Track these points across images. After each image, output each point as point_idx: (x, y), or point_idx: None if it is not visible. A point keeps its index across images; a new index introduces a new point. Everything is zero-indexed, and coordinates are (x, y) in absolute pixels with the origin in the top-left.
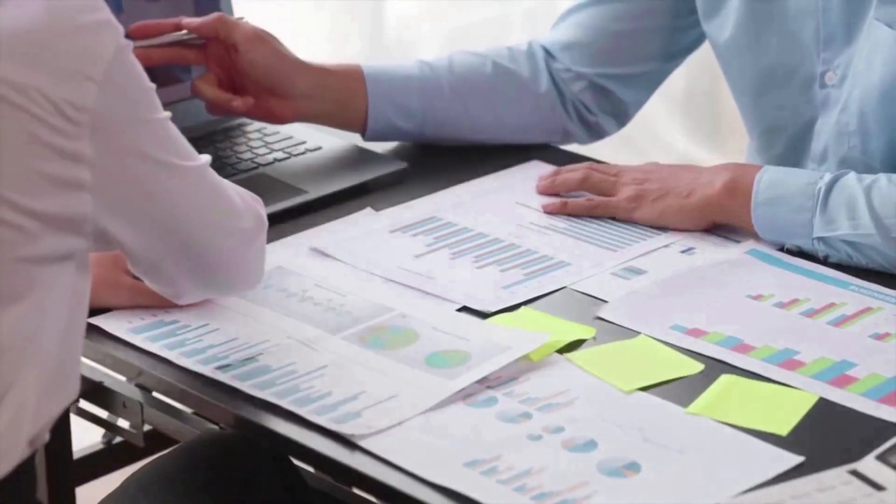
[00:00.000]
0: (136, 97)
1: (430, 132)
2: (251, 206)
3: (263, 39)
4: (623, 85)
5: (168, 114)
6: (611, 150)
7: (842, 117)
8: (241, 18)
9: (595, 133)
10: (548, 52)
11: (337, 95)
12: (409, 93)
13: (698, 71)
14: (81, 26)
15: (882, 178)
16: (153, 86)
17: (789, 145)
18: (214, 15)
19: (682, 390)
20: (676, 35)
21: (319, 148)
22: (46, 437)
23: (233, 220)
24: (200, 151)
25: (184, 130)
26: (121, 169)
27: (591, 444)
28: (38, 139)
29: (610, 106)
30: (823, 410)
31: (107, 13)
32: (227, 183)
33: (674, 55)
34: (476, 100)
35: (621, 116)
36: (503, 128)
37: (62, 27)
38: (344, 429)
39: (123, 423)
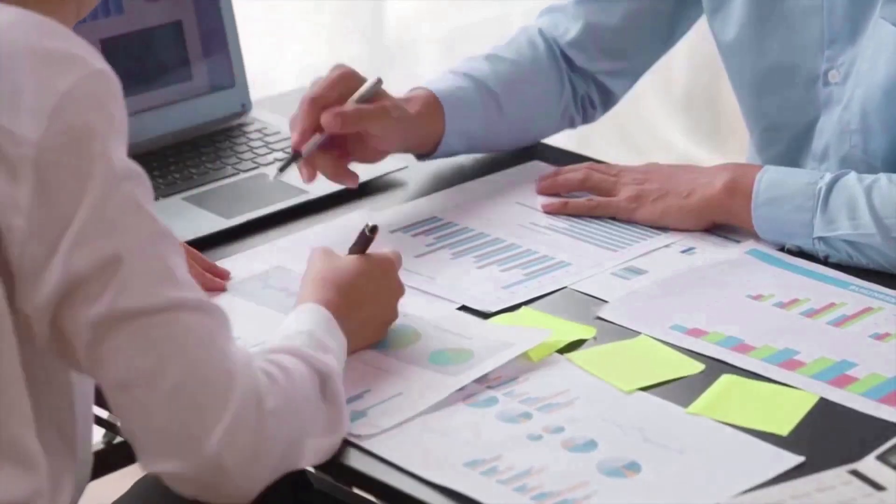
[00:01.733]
0: (93, 147)
1: (475, 149)
2: (252, 376)
3: (392, 119)
4: (622, 77)
5: (141, 185)
6: (611, 150)
7: (844, 115)
8: (378, 84)
9: (585, 121)
10: (560, 49)
11: (422, 133)
12: (473, 121)
13: (698, 71)
14: (43, 52)
15: (882, 177)
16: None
17: (790, 143)
18: (352, 111)
19: (682, 390)
20: (676, 24)
21: None
22: None
23: (215, 385)
24: (201, 151)
25: (183, 132)
26: (61, 228)
27: (591, 444)
28: None
29: (604, 98)
30: (823, 410)
31: (75, 46)
32: (225, 331)
33: (671, 42)
34: (521, 119)
35: (610, 105)
36: (534, 138)
37: (22, 49)
38: (350, 429)
39: None
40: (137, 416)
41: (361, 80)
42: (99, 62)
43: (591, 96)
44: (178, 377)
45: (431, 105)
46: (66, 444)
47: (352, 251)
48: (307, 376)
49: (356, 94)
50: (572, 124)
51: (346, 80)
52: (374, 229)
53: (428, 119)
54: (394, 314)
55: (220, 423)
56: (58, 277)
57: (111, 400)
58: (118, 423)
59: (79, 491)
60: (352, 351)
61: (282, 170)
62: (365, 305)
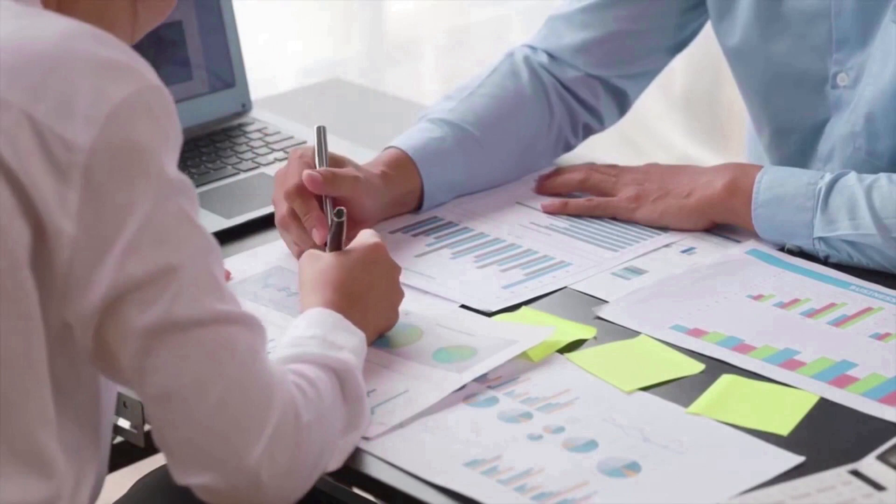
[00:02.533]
0: (146, 159)
1: (463, 193)
2: (289, 391)
3: (362, 182)
4: (633, 79)
5: (191, 201)
6: (611, 150)
7: (851, 118)
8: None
9: (586, 137)
10: (555, 59)
11: (394, 194)
12: (453, 171)
13: (698, 71)
14: (100, 61)
15: (882, 177)
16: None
17: (800, 145)
18: (325, 172)
19: (682, 390)
20: (685, 26)
21: None
22: None
23: (257, 400)
24: (201, 151)
25: (183, 131)
26: (112, 235)
27: (591, 444)
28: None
29: (619, 100)
30: (824, 410)
31: (133, 59)
32: (265, 345)
33: (679, 47)
34: (507, 159)
35: (627, 107)
36: (524, 172)
37: (79, 55)
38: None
39: (124, 423)
40: (178, 427)
41: (311, 150)
42: (155, 78)
43: (598, 110)
44: (223, 390)
45: (400, 164)
46: (91, 444)
47: (331, 246)
48: (327, 381)
49: (316, 158)
50: (568, 148)
51: (303, 157)
52: (340, 213)
53: (396, 179)
54: (399, 293)
55: (261, 437)
56: (109, 283)
57: (150, 410)
58: (117, 423)
59: (99, 486)
60: (370, 340)
61: None
62: (366, 294)
